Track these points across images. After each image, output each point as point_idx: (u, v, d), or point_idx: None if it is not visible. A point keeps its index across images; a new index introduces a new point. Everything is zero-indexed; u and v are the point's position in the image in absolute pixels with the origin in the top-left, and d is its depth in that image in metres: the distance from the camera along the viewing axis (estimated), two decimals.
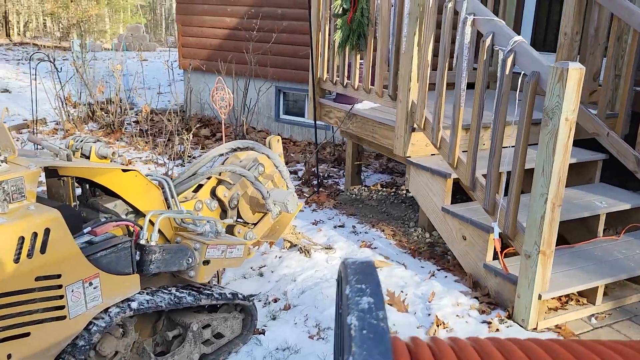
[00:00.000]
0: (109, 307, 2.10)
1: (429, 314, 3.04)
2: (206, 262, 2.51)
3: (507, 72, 2.86)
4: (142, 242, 2.30)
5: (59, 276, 1.91)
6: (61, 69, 7.58)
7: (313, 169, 5.42)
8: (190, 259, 2.45)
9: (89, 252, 2.02)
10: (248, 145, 3.08)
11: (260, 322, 3.01)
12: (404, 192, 5.03)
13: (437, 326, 2.92)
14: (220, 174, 3.05)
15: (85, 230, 2.13)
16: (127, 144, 6.87)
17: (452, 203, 3.92)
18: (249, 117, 7.03)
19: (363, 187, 5.13)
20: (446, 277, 3.44)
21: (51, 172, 2.27)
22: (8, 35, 23.53)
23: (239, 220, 3.14)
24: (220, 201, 2.96)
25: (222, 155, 3.11)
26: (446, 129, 3.45)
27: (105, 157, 2.40)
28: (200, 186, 2.97)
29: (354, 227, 4.19)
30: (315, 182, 5.15)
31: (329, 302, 3.19)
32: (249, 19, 7.15)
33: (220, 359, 2.68)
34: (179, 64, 8.14)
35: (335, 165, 6.08)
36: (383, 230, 4.11)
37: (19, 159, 2.07)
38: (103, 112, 7.48)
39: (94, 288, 2.02)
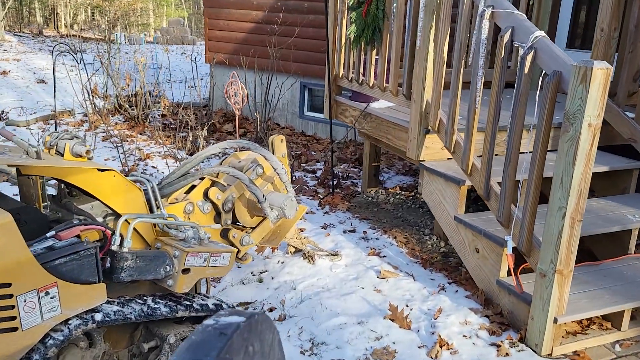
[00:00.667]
0: (69, 319, 1.96)
1: (433, 333, 2.81)
2: (186, 271, 2.34)
3: (525, 70, 2.59)
4: (114, 247, 2.16)
5: (8, 285, 1.75)
6: (82, 61, 7.56)
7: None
8: (168, 267, 2.29)
9: (47, 259, 1.85)
10: (244, 145, 2.90)
11: None
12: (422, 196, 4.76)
13: (440, 347, 2.69)
14: (217, 175, 2.88)
15: (48, 235, 1.99)
16: (149, 137, 6.81)
17: (473, 211, 3.67)
18: (273, 113, 6.88)
19: (381, 190, 4.90)
20: (457, 291, 3.19)
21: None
22: (56, 27, 24.15)
23: (237, 223, 2.97)
24: (213, 204, 2.81)
25: (215, 155, 2.95)
26: (461, 131, 3.19)
27: (80, 156, 2.25)
28: (193, 187, 2.82)
29: (365, 232, 3.97)
30: (331, 183, 4.94)
31: (327, 314, 2.99)
32: (275, 12, 6.98)
33: None
34: (205, 57, 8.05)
35: (356, 165, 5.86)
36: (395, 237, 3.88)
37: None
38: (127, 105, 7.46)
39: (51, 298, 1.84)
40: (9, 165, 2.00)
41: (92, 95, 7.59)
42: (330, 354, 2.68)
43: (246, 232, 2.97)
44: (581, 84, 2.30)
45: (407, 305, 3.05)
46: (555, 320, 2.58)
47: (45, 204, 2.20)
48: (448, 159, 3.58)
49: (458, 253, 3.32)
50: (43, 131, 7.08)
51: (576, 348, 2.71)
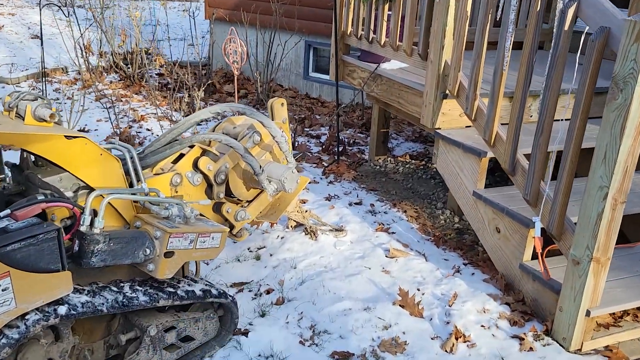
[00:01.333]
0: (27, 313, 1.67)
1: (448, 322, 2.52)
2: (169, 254, 2.04)
3: (566, 26, 2.22)
4: (83, 228, 1.85)
5: None
6: (70, 15, 7.12)
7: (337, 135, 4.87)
8: (148, 250, 1.98)
9: None
10: (239, 109, 2.56)
11: (245, 319, 2.56)
12: (435, 166, 4.43)
13: (456, 339, 2.41)
14: (209, 143, 2.56)
15: (2, 214, 1.68)
16: (144, 97, 6.45)
17: (489, 183, 3.35)
18: (276, 74, 6.49)
19: (389, 158, 4.57)
20: (473, 274, 2.90)
21: None
22: None
23: (232, 196, 2.66)
24: (204, 175, 2.49)
25: (207, 121, 2.61)
26: (484, 97, 2.84)
27: (44, 120, 1.89)
28: (181, 156, 2.50)
29: (372, 205, 3.65)
30: (336, 150, 4.60)
31: (330, 297, 2.70)
32: None
33: None
34: (205, 13, 7.60)
35: (363, 131, 5.52)
36: (405, 211, 3.57)
37: None
38: (123, 64, 7.07)
39: (3, 290, 1.58)
40: None
41: (86, 52, 7.19)
42: (332, 345, 2.40)
43: (242, 206, 2.66)
44: (635, 42, 1.94)
45: (418, 289, 2.76)
46: (588, 313, 2.29)
47: (2, 176, 1.88)
48: (467, 127, 3.24)
49: (475, 232, 3.01)
50: (33, 89, 6.73)
51: (608, 342, 2.43)
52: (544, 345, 2.39)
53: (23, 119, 1.91)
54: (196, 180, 2.45)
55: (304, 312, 2.61)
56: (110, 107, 5.37)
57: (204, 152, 2.50)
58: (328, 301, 2.68)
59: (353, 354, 2.34)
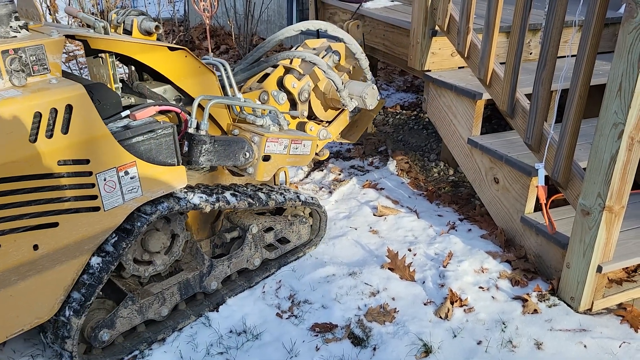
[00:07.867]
0: (150, 201, 1.84)
1: (443, 285, 2.26)
2: (266, 158, 2.18)
3: None
4: (191, 130, 1.98)
5: (87, 161, 1.65)
6: None
7: None
8: (247, 154, 2.12)
9: (123, 137, 1.74)
10: (321, 26, 2.53)
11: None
12: (428, 115, 4.12)
13: (452, 303, 2.15)
14: (291, 62, 2.49)
15: (123, 114, 1.85)
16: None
17: (487, 132, 3.06)
18: (257, 26, 6.09)
19: None
20: (470, 230, 2.63)
21: (92, 50, 1.96)
22: None
23: (311, 118, 2.64)
24: (288, 93, 2.50)
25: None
26: (478, 33, 2.51)
27: (150, 33, 2.04)
28: (266, 76, 2.50)
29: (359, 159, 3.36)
30: None
31: (311, 263, 2.44)
32: None
33: (283, 264, 2.42)
34: None
35: None
36: (395, 165, 3.27)
37: (43, 27, 1.80)
38: None
39: (131, 178, 1.76)
40: (77, 38, 1.80)
41: (52, 10, 6.75)
42: (314, 316, 2.14)
43: (323, 126, 2.64)
44: None
45: (409, 250, 2.49)
46: (600, 269, 2.03)
47: (117, 85, 2.01)
48: (459, 67, 2.92)
49: (471, 183, 2.72)
50: None
51: (622, 300, 2.17)
52: (549, 307, 2.13)
53: (130, 34, 2.04)
54: (281, 99, 2.47)
55: (282, 281, 2.34)
56: (79, 69, 5.01)
57: (288, 71, 2.48)
58: (309, 267, 2.41)
59: (336, 326, 2.09)
